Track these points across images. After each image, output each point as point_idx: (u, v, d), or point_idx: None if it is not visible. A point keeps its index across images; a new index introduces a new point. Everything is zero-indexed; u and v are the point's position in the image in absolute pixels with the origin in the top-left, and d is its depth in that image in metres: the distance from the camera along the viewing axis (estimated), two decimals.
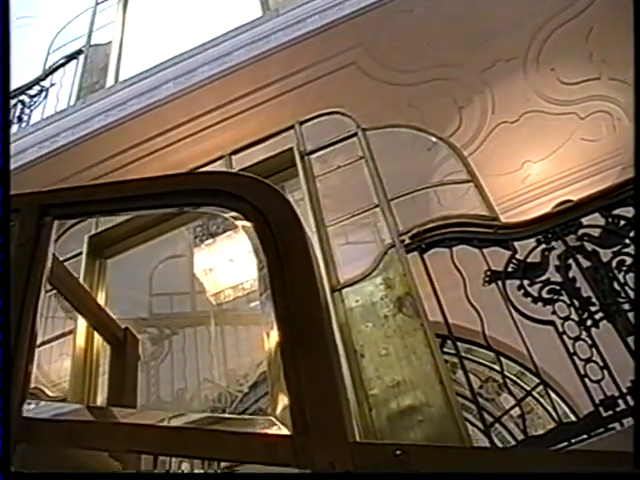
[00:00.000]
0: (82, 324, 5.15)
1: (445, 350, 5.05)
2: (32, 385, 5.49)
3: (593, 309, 4.47)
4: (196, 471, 5.91)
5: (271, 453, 1.79)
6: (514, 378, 7.76)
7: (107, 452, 2.46)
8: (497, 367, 7.21)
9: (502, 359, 6.10)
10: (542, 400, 7.68)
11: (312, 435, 1.72)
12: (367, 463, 1.64)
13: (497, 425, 7.62)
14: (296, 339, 1.95)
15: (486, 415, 6.85)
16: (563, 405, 7.48)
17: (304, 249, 2.15)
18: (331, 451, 1.65)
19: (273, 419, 1.90)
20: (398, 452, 1.63)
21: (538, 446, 4.03)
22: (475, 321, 4.73)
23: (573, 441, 3.99)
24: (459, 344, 4.79)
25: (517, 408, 7.35)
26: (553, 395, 7.29)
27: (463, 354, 5.11)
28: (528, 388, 7.54)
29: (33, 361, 2.33)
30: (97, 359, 5.10)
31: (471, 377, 5.13)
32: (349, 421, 1.77)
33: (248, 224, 2.38)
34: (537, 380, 7.09)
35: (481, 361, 7.97)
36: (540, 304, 4.57)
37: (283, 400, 1.87)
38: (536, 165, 8.90)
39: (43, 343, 5.94)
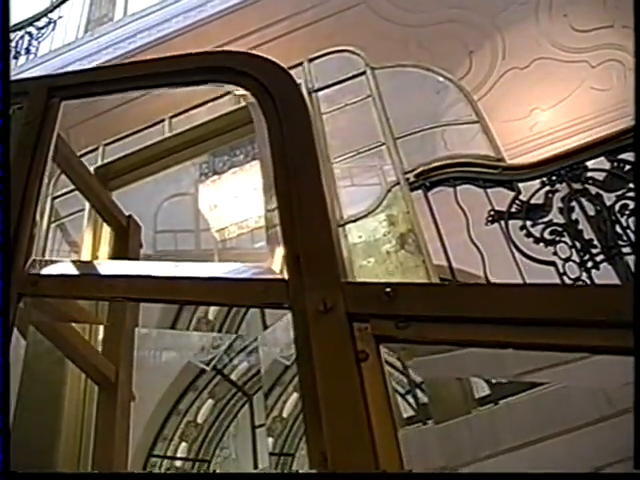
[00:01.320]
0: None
1: None
2: None
3: (594, 251, 4.50)
4: None
5: (266, 296, 1.85)
6: None
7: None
8: None
9: None
10: None
11: (305, 278, 1.77)
12: (357, 301, 1.68)
13: None
14: (293, 194, 2.00)
15: None
16: None
17: (307, 125, 2.18)
18: (323, 291, 1.70)
19: (268, 266, 1.96)
20: (388, 289, 1.67)
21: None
22: (477, 265, 4.77)
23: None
24: None
25: None
26: None
27: None
28: None
29: (36, 227, 2.39)
30: None
31: None
32: (342, 266, 1.82)
33: (253, 100, 2.40)
34: None
35: None
36: (542, 245, 4.59)
37: (279, 250, 1.93)
38: (545, 113, 8.85)
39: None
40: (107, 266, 2.80)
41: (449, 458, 3.65)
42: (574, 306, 1.60)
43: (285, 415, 7.10)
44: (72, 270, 2.37)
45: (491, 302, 1.67)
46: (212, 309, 7.43)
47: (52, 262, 2.43)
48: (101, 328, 3.35)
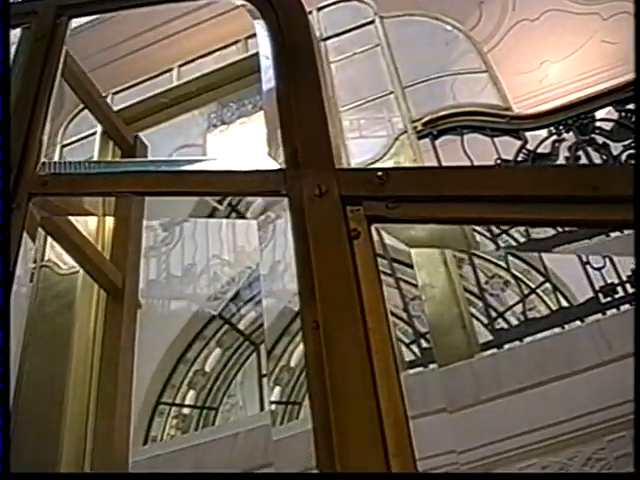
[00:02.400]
0: None
1: None
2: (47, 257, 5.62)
3: None
4: None
5: (264, 184, 1.93)
6: (520, 275, 7.85)
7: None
8: (503, 264, 7.34)
9: (508, 257, 6.20)
10: (545, 298, 7.77)
11: (302, 167, 1.85)
12: (351, 185, 1.76)
13: (500, 321, 7.74)
14: (292, 91, 2.07)
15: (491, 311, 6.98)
16: (565, 303, 7.58)
17: (306, 30, 2.22)
18: (318, 177, 1.77)
19: (266, 158, 2.04)
20: (379, 174, 1.74)
21: (537, 327, 4.13)
22: None
23: (572, 326, 4.10)
24: None
25: (520, 305, 7.46)
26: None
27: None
28: (533, 286, 7.63)
29: (45, 134, 2.46)
30: None
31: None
32: (338, 156, 1.88)
33: (253, 8, 2.43)
34: (542, 278, 7.19)
35: (488, 257, 8.05)
36: None
37: (278, 143, 2.00)
38: (554, 65, 8.79)
39: None
40: (114, 166, 2.89)
41: (451, 400, 3.71)
42: (553, 183, 1.68)
43: (292, 365, 7.17)
44: (81, 170, 2.43)
45: (477, 182, 1.74)
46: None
47: (62, 164, 2.49)
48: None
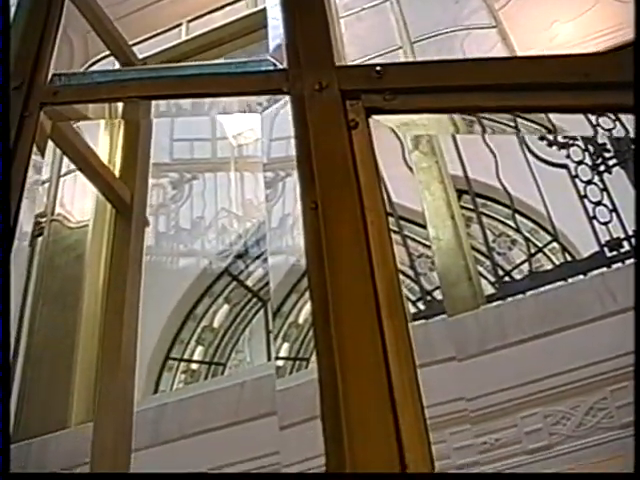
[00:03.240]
0: None
1: (462, 204, 5.14)
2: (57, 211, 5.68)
3: (607, 155, 4.53)
4: None
5: (267, 84, 2.00)
6: (527, 235, 7.87)
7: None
8: (511, 223, 7.35)
9: (516, 215, 6.22)
10: (553, 258, 7.80)
11: (304, 67, 1.90)
12: (350, 80, 1.82)
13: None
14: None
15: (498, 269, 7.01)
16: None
17: None
18: (319, 74, 1.83)
19: (270, 59, 2.09)
20: (378, 68, 1.80)
21: (543, 280, 4.16)
22: (490, 173, 4.83)
23: (576, 279, 4.12)
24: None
25: (527, 264, 7.49)
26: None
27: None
28: (540, 245, 7.65)
29: (55, 47, 2.51)
30: None
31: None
32: (338, 55, 1.93)
33: None
34: (549, 237, 7.21)
35: (495, 216, 8.06)
36: (555, 148, 4.62)
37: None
38: (565, 26, 8.72)
39: (67, 173, 6.11)
40: (121, 74, 2.92)
41: (458, 350, 3.75)
42: (546, 71, 1.73)
43: (301, 321, 7.22)
44: (89, 81, 2.47)
45: (471, 72, 1.80)
46: None
47: (71, 76, 2.52)
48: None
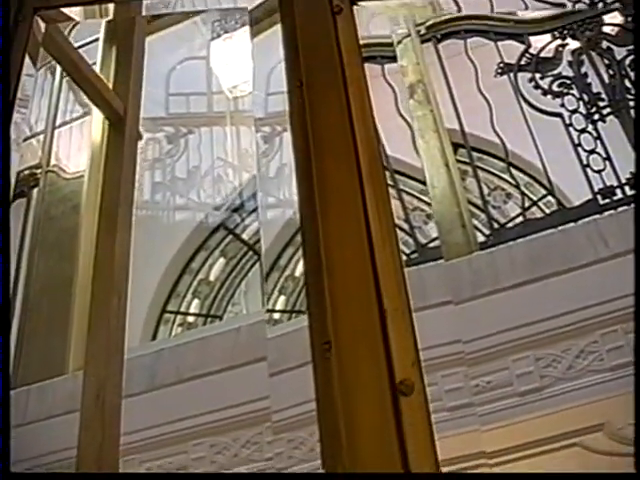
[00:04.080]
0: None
1: (458, 158, 5.15)
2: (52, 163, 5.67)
3: (602, 104, 4.53)
4: None
5: None
6: (522, 188, 7.88)
7: None
8: (506, 176, 7.36)
9: (511, 169, 6.23)
10: (547, 211, 7.82)
11: None
12: None
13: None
14: None
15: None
16: None
17: None
18: None
19: None
20: None
21: (536, 227, 4.19)
22: (486, 126, 4.84)
23: (569, 226, 4.15)
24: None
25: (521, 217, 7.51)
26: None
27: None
28: (535, 198, 7.67)
29: None
30: None
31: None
32: None
33: None
34: (544, 191, 7.23)
35: (491, 170, 8.07)
36: (550, 97, 4.63)
37: None
38: None
39: (63, 124, 6.10)
40: None
41: (450, 295, 3.79)
42: None
43: (297, 274, 7.26)
44: None
45: None
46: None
47: None
48: None
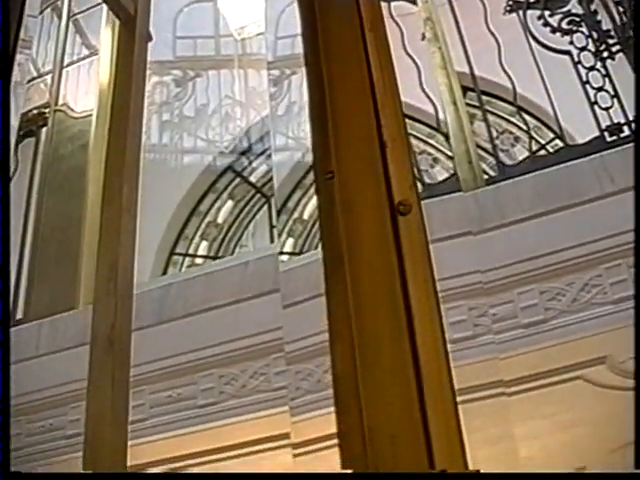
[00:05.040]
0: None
1: (467, 102, 5.14)
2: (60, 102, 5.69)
3: (611, 42, 4.51)
4: None
5: None
6: (531, 132, 7.85)
7: None
8: (515, 120, 7.34)
9: (520, 113, 6.22)
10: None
11: None
12: None
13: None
14: None
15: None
16: None
17: None
18: None
19: None
20: None
21: (543, 164, 4.20)
22: (495, 69, 4.83)
23: (577, 161, 4.15)
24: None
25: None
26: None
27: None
28: (543, 142, 7.65)
29: None
30: None
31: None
32: None
33: None
34: (552, 135, 7.21)
35: (499, 113, 8.05)
36: (558, 35, 4.61)
37: None
38: None
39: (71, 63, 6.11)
40: None
41: (453, 229, 3.82)
42: None
43: (305, 217, 7.28)
44: None
45: None
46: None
47: None
48: None
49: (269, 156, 7.47)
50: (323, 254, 1.58)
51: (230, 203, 7.75)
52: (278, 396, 3.97)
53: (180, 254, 7.57)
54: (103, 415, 2.28)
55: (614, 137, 4.19)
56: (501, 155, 7.92)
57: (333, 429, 1.50)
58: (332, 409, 1.55)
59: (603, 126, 4.28)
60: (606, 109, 4.30)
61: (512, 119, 7.63)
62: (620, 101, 4.30)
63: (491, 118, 8.12)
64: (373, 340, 1.44)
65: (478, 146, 5.05)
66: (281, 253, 6.83)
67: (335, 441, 1.48)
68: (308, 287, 3.70)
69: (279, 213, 7.26)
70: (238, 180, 7.76)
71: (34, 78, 6.34)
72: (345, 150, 1.50)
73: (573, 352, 3.76)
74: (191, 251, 7.61)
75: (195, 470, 4.37)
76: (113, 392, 2.72)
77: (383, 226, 1.42)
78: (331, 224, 1.47)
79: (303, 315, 3.77)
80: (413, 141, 6.91)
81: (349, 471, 1.32)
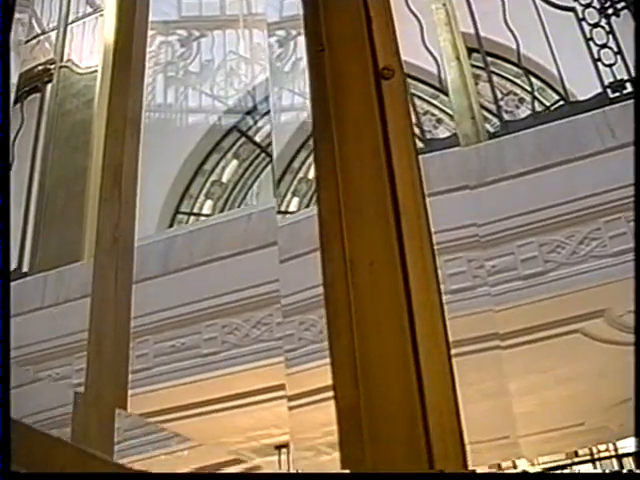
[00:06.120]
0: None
1: (472, 63, 5.14)
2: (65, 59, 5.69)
3: None
4: None
5: None
6: (535, 93, 7.85)
7: None
8: (519, 81, 7.34)
9: (525, 74, 6.21)
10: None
11: None
12: None
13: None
14: None
15: None
16: None
17: None
18: None
19: None
20: None
21: (545, 119, 4.22)
22: (500, 30, 4.82)
23: (579, 116, 4.16)
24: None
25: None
26: None
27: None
28: (547, 104, 7.66)
29: None
30: None
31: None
32: None
33: None
34: (557, 96, 7.20)
35: (504, 74, 8.03)
36: None
37: None
38: None
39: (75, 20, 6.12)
40: None
41: (455, 182, 3.85)
42: None
43: (310, 177, 7.31)
44: None
45: None
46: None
47: None
48: None
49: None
50: (312, 117, 1.65)
51: (235, 162, 7.78)
52: (280, 345, 4.03)
53: (185, 213, 7.61)
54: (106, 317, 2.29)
55: (617, 94, 4.20)
56: (505, 117, 7.94)
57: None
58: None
59: (606, 83, 4.29)
60: (609, 66, 4.30)
61: (517, 80, 7.63)
62: (624, 58, 4.31)
63: (496, 80, 8.13)
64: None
65: (482, 107, 5.07)
66: (286, 212, 6.87)
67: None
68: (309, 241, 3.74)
69: (283, 173, 7.28)
70: (243, 140, 7.78)
71: (38, 35, 6.36)
72: (334, 25, 1.55)
73: (572, 305, 3.81)
74: (196, 210, 7.65)
75: (196, 420, 4.46)
76: (116, 293, 2.70)
77: (368, 89, 1.49)
78: (321, 89, 1.53)
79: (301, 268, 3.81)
80: (417, 101, 6.93)
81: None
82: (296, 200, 7.30)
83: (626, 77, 4.25)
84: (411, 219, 1.48)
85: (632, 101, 4.12)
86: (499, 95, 8.19)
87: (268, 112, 7.57)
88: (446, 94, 4.84)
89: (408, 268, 1.48)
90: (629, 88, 4.23)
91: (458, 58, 4.41)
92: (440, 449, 1.24)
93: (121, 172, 2.56)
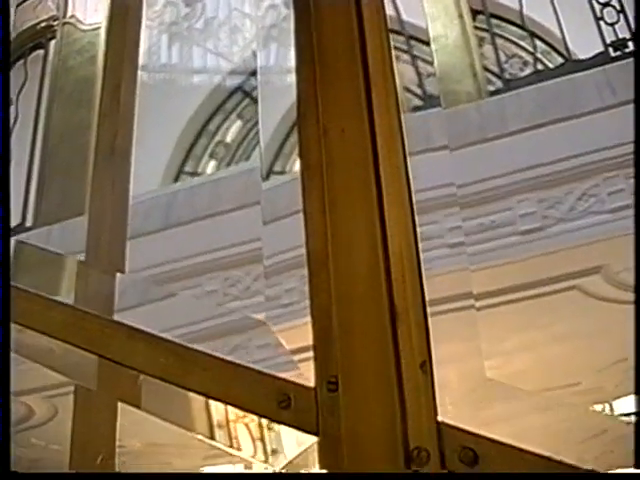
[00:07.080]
0: None
1: (476, 25, 5.13)
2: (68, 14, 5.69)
3: None
4: None
5: None
6: (539, 56, 7.82)
7: None
8: (524, 44, 7.31)
9: (529, 37, 6.20)
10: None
11: None
12: None
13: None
14: None
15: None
16: None
17: None
18: None
19: None
20: None
21: (546, 77, 4.23)
22: None
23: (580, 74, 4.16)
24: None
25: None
26: None
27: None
28: (552, 66, 7.64)
29: None
30: None
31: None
32: None
33: None
34: (562, 60, 7.19)
35: (508, 37, 8.00)
36: None
37: None
38: None
39: None
40: None
41: (455, 139, 3.86)
42: None
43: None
44: None
45: None
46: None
47: None
48: None
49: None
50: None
51: (239, 123, 7.79)
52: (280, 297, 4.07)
53: (188, 173, 7.63)
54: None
55: (618, 52, 4.21)
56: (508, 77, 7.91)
57: None
58: None
59: (608, 41, 4.29)
60: (612, 24, 4.30)
61: (521, 42, 7.60)
62: (626, 16, 4.31)
63: (500, 42, 8.10)
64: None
65: (486, 69, 5.07)
66: (283, 173, 6.88)
67: None
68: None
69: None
70: (247, 100, 7.78)
71: None
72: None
73: (569, 261, 3.85)
74: (199, 170, 7.67)
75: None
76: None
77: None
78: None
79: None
80: (420, 64, 6.90)
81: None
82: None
83: (628, 36, 4.26)
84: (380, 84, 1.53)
85: (632, 59, 4.13)
86: (503, 58, 8.17)
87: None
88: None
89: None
90: (631, 47, 4.23)
91: (460, 16, 4.41)
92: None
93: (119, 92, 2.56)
